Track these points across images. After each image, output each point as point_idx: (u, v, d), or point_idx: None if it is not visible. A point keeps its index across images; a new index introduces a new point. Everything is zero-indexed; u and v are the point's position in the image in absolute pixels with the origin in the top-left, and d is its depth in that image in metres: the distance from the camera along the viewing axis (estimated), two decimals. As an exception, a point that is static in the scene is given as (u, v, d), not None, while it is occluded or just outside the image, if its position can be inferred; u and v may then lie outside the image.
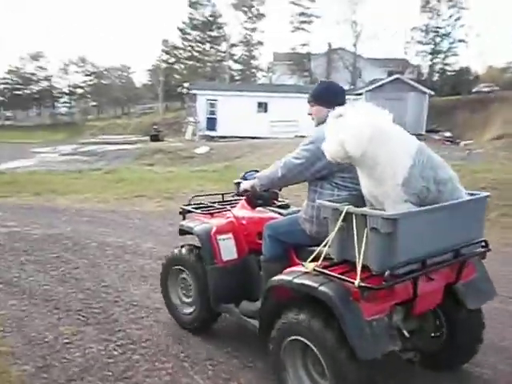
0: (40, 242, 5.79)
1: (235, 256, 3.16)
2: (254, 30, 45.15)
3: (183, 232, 3.45)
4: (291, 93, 26.20)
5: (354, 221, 2.06)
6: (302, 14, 42.28)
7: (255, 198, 3.08)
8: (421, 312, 2.44)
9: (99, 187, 10.72)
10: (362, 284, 1.98)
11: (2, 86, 50.81)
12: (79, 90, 55.14)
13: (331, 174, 2.52)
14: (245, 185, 2.94)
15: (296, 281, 2.24)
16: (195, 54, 45.68)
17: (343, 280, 2.07)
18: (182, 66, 47.33)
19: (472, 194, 2.40)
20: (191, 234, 3.31)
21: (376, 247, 2.01)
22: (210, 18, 45.33)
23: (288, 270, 2.43)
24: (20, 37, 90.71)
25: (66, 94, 54.79)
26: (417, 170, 2.10)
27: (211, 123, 26.82)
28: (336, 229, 2.13)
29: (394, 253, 1.99)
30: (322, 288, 2.11)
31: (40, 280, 4.43)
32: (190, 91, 28.56)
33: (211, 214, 3.39)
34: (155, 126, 29.10)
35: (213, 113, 27.10)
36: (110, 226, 6.86)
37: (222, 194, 3.81)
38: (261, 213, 3.13)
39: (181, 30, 45.78)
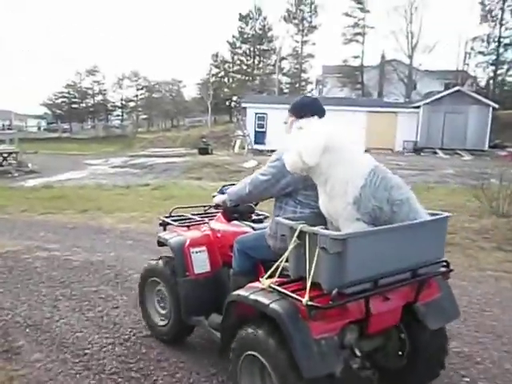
0: (79, 270, 5.24)
1: (208, 269, 3.18)
2: (305, 42, 44.69)
3: (161, 244, 3.46)
4: (342, 105, 25.25)
5: (307, 239, 2.08)
6: (356, 25, 41.32)
7: (230, 212, 3.13)
8: (376, 331, 2.40)
9: (146, 205, 10.23)
10: (310, 303, 1.99)
11: (60, 100, 53.07)
12: (131, 104, 56.79)
13: (295, 191, 2.56)
14: (217, 199, 3.03)
15: (251, 297, 2.25)
16: (244, 67, 45.75)
17: (293, 298, 2.08)
18: (231, 80, 47.54)
19: (433, 215, 2.38)
20: (166, 245, 3.33)
21: (326, 266, 2.03)
22: (260, 32, 45.34)
23: (248, 285, 2.40)
24: (78, 52, 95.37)
25: (119, 107, 56.56)
26: (369, 190, 2.14)
27: (260, 137, 26.31)
28: (291, 246, 2.16)
29: (342, 272, 2.00)
30: (272, 305, 2.12)
31: (73, 323, 3.81)
32: (239, 104, 28.25)
33: (188, 227, 3.42)
34: (204, 139, 28.95)
35: (261, 126, 26.62)
36: (155, 252, 6.23)
37: (204, 207, 3.81)
38: (235, 226, 3.14)
39: (230, 43, 46.09)
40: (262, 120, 26.58)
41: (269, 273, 2.25)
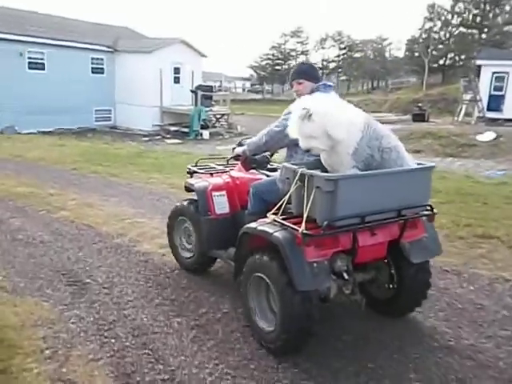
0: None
1: (227, 210, 3.70)
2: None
3: (188, 189, 3.97)
4: None
5: (306, 181, 2.51)
6: None
7: (249, 162, 3.50)
8: (363, 262, 2.86)
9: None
10: (305, 231, 2.43)
11: (265, 62, 54.32)
12: (331, 65, 54.69)
13: None
14: (237, 150, 3.53)
15: (259, 228, 2.76)
16: (470, 18, 38.49)
17: (291, 228, 2.54)
18: (448, 35, 40.84)
19: (419, 164, 2.77)
20: (193, 191, 3.82)
21: (320, 203, 2.45)
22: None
23: (258, 221, 2.84)
24: (283, 14, 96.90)
25: (320, 68, 55.06)
26: (364, 141, 2.52)
27: (495, 102, 21.16)
28: (293, 187, 2.58)
29: (333, 208, 2.43)
30: (275, 234, 2.62)
31: None
32: (473, 62, 23.24)
33: (211, 174, 3.93)
34: (419, 104, 25.05)
35: (499, 89, 21.33)
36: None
37: (227, 159, 4.07)
38: (252, 174, 3.57)
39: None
40: (500, 81, 21.29)
41: (274, 209, 2.71)
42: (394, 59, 53.02)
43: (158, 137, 19.19)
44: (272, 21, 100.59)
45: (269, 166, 3.66)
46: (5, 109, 16.98)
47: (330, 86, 3.18)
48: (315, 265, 2.54)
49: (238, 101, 37.27)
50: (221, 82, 34.43)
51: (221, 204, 3.69)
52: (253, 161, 3.51)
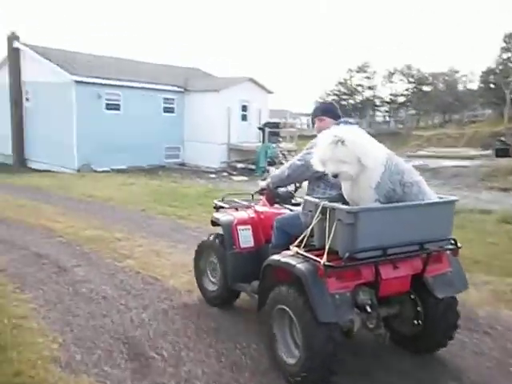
0: None
1: (252, 244, 3.77)
2: None
3: (214, 223, 4.11)
4: None
5: (328, 214, 2.58)
6: None
7: (273, 197, 3.62)
8: (386, 295, 2.85)
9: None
10: (327, 263, 2.48)
11: (331, 98, 53.94)
12: (400, 99, 53.14)
13: (326, 174, 2.81)
14: (261, 183, 3.70)
15: (282, 260, 2.82)
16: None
17: (313, 260, 2.58)
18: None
19: (441, 198, 2.84)
20: (219, 224, 3.95)
21: (341, 235, 2.53)
22: None
23: (281, 253, 2.89)
24: (349, 50, 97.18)
25: (387, 102, 53.74)
26: (386, 175, 2.61)
27: None
28: (315, 220, 2.66)
29: (354, 240, 2.49)
30: (297, 265, 2.66)
31: None
32: None
33: (236, 209, 4.06)
34: (501, 138, 23.15)
35: None
36: None
37: (252, 194, 4.32)
38: (276, 209, 3.69)
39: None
40: None
41: (297, 242, 2.77)
42: (467, 91, 50.45)
43: (225, 174, 19.08)
44: (338, 56, 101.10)
45: (292, 201, 3.76)
46: (83, 147, 17.76)
47: (350, 122, 3.19)
48: (337, 296, 2.57)
49: (304, 137, 36.87)
50: (285, 118, 34.35)
51: (246, 238, 3.78)
52: (276, 195, 3.64)
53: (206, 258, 4.17)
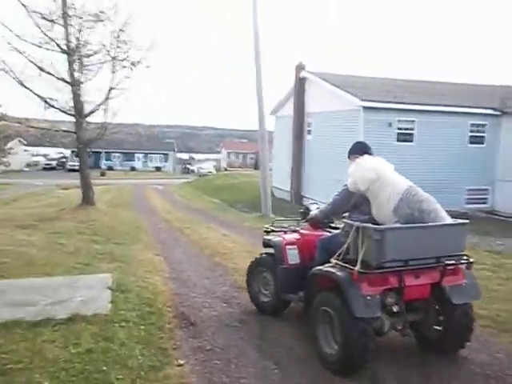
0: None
1: (298, 261, 4.54)
2: None
3: (265, 244, 4.95)
4: None
5: (361, 232, 3.41)
6: None
7: (317, 223, 4.52)
8: (410, 299, 3.61)
9: None
10: (360, 270, 3.29)
11: None
12: None
13: (359, 204, 3.89)
14: (311, 215, 4.50)
15: (324, 269, 3.64)
16: None
17: (350, 268, 3.37)
18: None
19: (455, 221, 3.64)
20: (270, 246, 4.83)
21: (371, 249, 3.32)
22: None
23: (324, 265, 3.73)
24: None
25: None
26: (405, 202, 3.48)
27: None
28: (350, 237, 3.49)
29: (382, 252, 3.28)
30: (337, 273, 3.48)
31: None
32: None
33: (284, 232, 4.94)
34: None
35: None
36: None
37: (297, 220, 5.08)
38: (318, 232, 4.50)
39: None
40: None
41: (335, 256, 3.60)
42: None
43: None
44: None
45: (331, 225, 4.57)
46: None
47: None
48: (369, 298, 3.30)
49: None
50: None
51: (293, 256, 4.54)
52: (320, 222, 4.49)
53: (259, 274, 4.98)
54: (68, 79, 13.47)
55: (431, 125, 15.57)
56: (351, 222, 3.53)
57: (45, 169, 56.38)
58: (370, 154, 4.01)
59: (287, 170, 19.51)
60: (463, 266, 3.64)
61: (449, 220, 3.54)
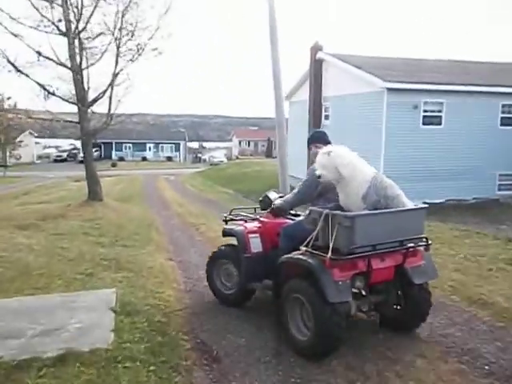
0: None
1: (261, 249, 4.55)
2: None
3: (225, 234, 4.99)
4: None
5: (330, 219, 3.43)
6: None
7: (283, 212, 4.44)
8: (376, 282, 3.73)
9: None
10: (332, 257, 3.33)
11: None
12: None
13: (324, 192, 3.96)
14: (277, 204, 4.37)
15: (295, 257, 3.66)
16: None
17: (321, 255, 3.42)
18: None
19: (415, 206, 3.79)
20: (231, 235, 4.83)
21: (341, 236, 3.37)
22: None
23: (293, 253, 3.74)
24: None
25: None
26: (372, 189, 3.55)
27: None
28: (320, 225, 3.50)
29: (351, 239, 3.35)
30: (308, 260, 3.51)
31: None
32: None
33: (245, 221, 4.95)
34: None
35: None
36: None
37: (255, 208, 5.29)
38: (280, 220, 4.45)
39: None
40: None
41: (305, 243, 3.58)
42: None
43: None
44: None
45: (291, 212, 4.56)
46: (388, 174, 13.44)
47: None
48: (340, 283, 3.39)
49: None
50: None
51: (255, 244, 4.55)
52: (286, 211, 4.46)
53: (220, 265, 4.98)
54: (68, 64, 12.57)
55: (461, 107, 14.40)
56: (319, 210, 3.57)
57: (56, 161, 56.12)
58: (329, 142, 4.18)
59: (301, 158, 18.52)
60: (422, 248, 3.80)
61: (411, 204, 3.71)
